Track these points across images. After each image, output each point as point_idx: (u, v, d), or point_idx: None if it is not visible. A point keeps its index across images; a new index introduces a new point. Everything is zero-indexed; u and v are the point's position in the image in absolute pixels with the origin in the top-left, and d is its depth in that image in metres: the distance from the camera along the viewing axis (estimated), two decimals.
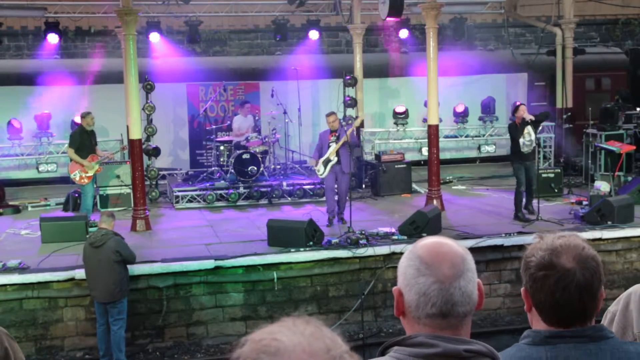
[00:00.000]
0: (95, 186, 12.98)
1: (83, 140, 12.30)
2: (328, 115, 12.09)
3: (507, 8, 17.87)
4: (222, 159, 14.46)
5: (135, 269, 9.31)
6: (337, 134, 11.90)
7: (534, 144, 11.89)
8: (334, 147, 11.83)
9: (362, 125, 16.49)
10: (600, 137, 14.81)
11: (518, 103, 12.66)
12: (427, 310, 1.85)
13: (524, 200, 12.12)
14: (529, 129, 11.78)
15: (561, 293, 2.08)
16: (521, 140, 11.79)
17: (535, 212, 11.85)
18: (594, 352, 2.08)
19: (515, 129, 11.92)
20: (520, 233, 10.90)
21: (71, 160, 12.45)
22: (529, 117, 11.73)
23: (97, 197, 13.81)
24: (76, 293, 9.46)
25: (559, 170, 14.36)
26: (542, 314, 2.14)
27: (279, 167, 15.10)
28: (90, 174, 12.25)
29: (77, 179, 12.26)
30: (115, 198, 13.84)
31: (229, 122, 15.29)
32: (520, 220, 11.84)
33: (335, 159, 11.90)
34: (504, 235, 10.81)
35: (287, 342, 1.31)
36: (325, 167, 11.90)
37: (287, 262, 10.10)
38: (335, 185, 12.17)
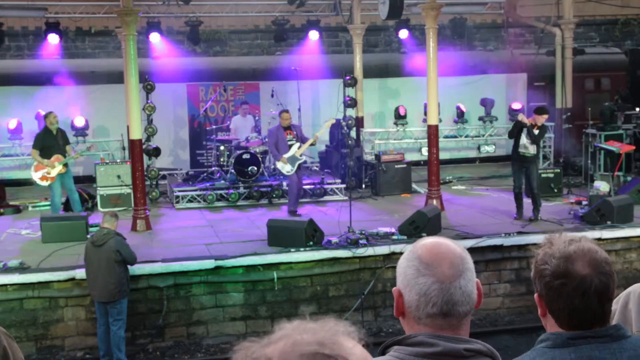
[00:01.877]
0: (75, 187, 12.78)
1: (47, 141, 12.23)
2: (285, 112, 12.79)
3: (506, 8, 17.88)
4: (222, 159, 14.46)
5: (136, 269, 9.33)
6: (294, 133, 12.64)
7: (528, 150, 11.63)
8: (299, 146, 12.52)
9: (362, 125, 16.55)
10: (600, 137, 14.82)
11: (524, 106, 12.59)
12: (427, 310, 1.86)
13: (524, 200, 11.98)
14: (524, 132, 11.57)
15: (580, 300, 2.07)
16: (520, 141, 11.69)
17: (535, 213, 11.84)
18: (617, 351, 2.08)
19: (514, 126, 11.87)
20: (519, 233, 10.91)
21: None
22: (526, 122, 11.60)
23: (98, 197, 13.84)
24: (77, 293, 9.48)
25: (559, 170, 14.37)
26: (559, 320, 2.12)
27: None
28: (53, 174, 12.18)
29: (39, 178, 12.16)
30: (116, 198, 13.85)
31: (228, 122, 15.32)
32: (519, 218, 11.82)
33: (303, 158, 12.81)
34: (503, 235, 10.82)
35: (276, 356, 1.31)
36: (293, 165, 12.54)
37: (287, 262, 10.11)
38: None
